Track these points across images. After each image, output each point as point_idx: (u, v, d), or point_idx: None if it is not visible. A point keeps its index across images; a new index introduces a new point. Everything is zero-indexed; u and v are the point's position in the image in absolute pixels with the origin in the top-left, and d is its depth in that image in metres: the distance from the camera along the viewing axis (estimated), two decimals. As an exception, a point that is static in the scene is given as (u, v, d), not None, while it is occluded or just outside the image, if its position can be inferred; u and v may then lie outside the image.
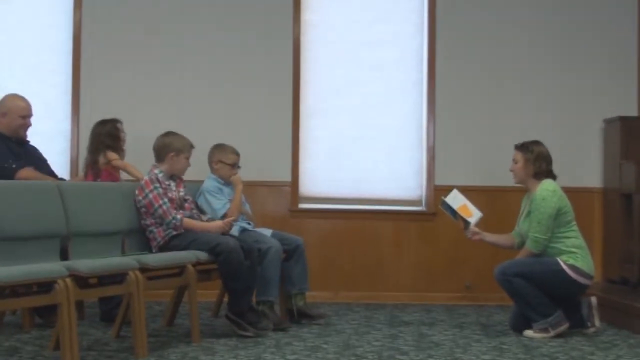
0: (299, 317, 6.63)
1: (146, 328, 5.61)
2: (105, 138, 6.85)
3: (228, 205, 6.62)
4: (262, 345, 5.66)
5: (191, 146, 6.30)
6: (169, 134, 6.30)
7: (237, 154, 6.82)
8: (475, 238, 6.51)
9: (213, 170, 6.78)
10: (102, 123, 6.95)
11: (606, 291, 7.49)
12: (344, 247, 8.23)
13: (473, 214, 6.50)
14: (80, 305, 6.71)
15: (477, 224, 6.53)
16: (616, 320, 6.76)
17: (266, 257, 6.35)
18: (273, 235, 6.68)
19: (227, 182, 6.77)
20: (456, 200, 6.53)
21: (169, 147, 6.22)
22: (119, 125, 6.94)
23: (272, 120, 8.22)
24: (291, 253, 6.68)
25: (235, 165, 6.79)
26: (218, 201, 6.64)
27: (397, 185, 8.39)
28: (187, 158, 6.28)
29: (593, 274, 6.31)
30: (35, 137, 6.83)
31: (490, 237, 6.54)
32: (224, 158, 6.77)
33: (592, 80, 8.39)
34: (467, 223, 6.49)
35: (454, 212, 6.50)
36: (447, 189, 8.08)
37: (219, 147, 6.83)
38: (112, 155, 6.77)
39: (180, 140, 6.27)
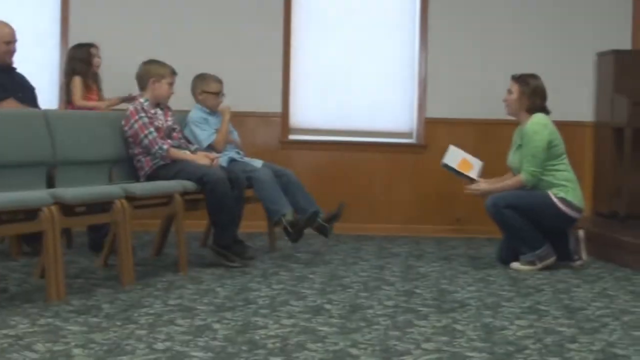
0: (330, 222, 6.42)
1: (134, 257, 5.64)
2: (77, 63, 6.82)
3: (214, 137, 6.60)
4: (248, 275, 5.68)
5: (173, 72, 6.24)
6: (150, 61, 6.25)
7: (220, 82, 6.78)
8: (483, 195, 6.42)
9: (197, 101, 6.74)
10: (77, 47, 6.93)
11: (595, 225, 7.51)
12: (334, 179, 8.20)
13: (474, 166, 6.44)
14: (68, 234, 6.73)
15: (480, 173, 6.47)
16: (604, 253, 6.78)
17: (256, 182, 6.34)
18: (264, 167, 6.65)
19: (214, 112, 6.74)
20: (454, 156, 6.45)
21: (150, 74, 6.16)
22: (93, 50, 6.90)
23: (262, 50, 8.14)
24: (286, 185, 6.56)
25: (219, 94, 6.74)
26: (202, 132, 6.61)
27: (388, 117, 8.35)
28: (170, 84, 6.21)
29: (583, 208, 6.32)
30: (25, 65, 6.77)
31: (495, 187, 6.40)
32: (206, 87, 6.72)
33: (585, 14, 8.30)
34: (471, 180, 6.42)
35: (456, 172, 6.42)
36: (438, 122, 8.18)
37: (200, 77, 6.79)
38: (83, 102, 6.73)
39: (161, 66, 6.21)
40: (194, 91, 6.76)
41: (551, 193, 6.17)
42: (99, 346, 3.76)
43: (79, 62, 6.85)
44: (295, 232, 6.20)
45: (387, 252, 6.98)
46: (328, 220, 6.42)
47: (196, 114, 6.70)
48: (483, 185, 6.38)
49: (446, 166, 6.44)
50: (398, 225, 8.17)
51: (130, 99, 6.70)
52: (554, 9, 8.30)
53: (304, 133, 8.31)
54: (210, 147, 6.51)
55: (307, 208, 6.40)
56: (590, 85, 8.31)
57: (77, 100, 6.73)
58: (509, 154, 6.49)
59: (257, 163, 6.65)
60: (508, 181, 6.34)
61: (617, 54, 7.91)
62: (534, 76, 6.37)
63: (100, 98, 6.96)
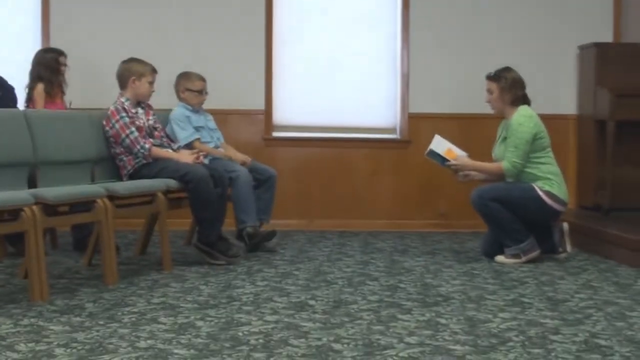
0: (255, 241, 6.56)
1: (118, 256, 5.64)
2: (42, 69, 6.80)
3: (194, 136, 6.58)
4: (233, 272, 5.67)
5: (153, 70, 6.21)
6: (130, 60, 6.22)
7: (204, 80, 6.80)
8: (466, 180, 6.45)
9: (180, 99, 6.75)
10: (44, 52, 6.92)
11: (579, 217, 7.54)
12: (319, 175, 8.21)
13: (458, 156, 6.44)
14: (53, 234, 6.71)
15: None
16: (588, 246, 6.81)
17: (235, 186, 6.37)
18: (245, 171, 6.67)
19: (197, 110, 6.74)
20: (440, 145, 6.45)
21: (130, 72, 6.14)
22: (61, 58, 6.88)
23: (244, 48, 8.14)
24: (262, 183, 6.68)
25: (202, 91, 6.76)
26: (183, 131, 6.61)
27: (371, 113, 8.37)
28: (151, 83, 6.18)
29: (567, 201, 6.33)
30: (6, 66, 6.75)
31: (479, 175, 6.44)
32: (190, 85, 6.74)
33: (567, 6, 8.33)
34: (455, 169, 6.42)
35: (442, 159, 6.41)
36: (422, 117, 8.18)
37: (184, 76, 6.81)
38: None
39: (141, 64, 6.18)
40: (177, 89, 6.77)
41: (536, 186, 6.18)
42: (82, 345, 3.75)
43: (44, 69, 6.82)
44: (250, 245, 6.47)
45: (371, 247, 6.99)
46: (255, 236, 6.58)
47: (178, 111, 6.70)
48: (464, 159, 6.38)
49: (431, 153, 6.41)
50: (382, 221, 8.18)
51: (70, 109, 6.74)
52: (536, 3, 8.31)
53: (287, 130, 8.32)
54: (188, 147, 6.49)
55: (258, 212, 6.62)
56: (573, 79, 8.34)
57: (38, 108, 6.69)
58: (493, 146, 6.50)
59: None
60: (489, 164, 6.36)
61: (599, 46, 7.93)
62: (507, 69, 6.38)
63: (63, 103, 6.94)
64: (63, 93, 6.97)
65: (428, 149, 6.42)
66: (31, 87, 6.80)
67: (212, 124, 6.91)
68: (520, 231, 6.18)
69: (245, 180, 6.44)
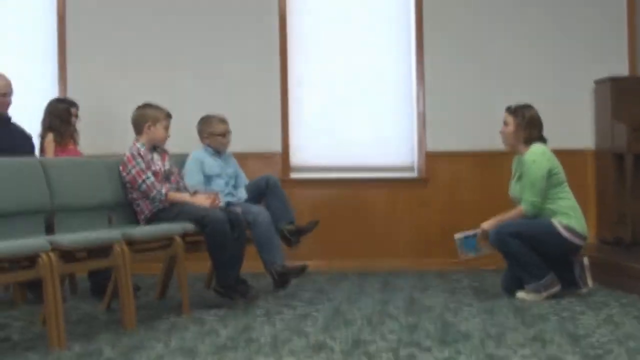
0: (297, 236, 6.56)
1: (138, 301, 5.63)
2: (53, 119, 6.83)
3: (199, 187, 6.53)
4: (251, 315, 5.65)
5: (168, 115, 6.25)
6: (144, 105, 6.26)
7: (225, 122, 6.85)
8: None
9: (205, 145, 6.81)
10: (56, 102, 6.97)
11: (600, 252, 7.48)
12: (337, 215, 8.20)
13: (480, 227, 6.38)
14: (72, 280, 6.73)
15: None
16: (609, 281, 6.74)
17: (254, 228, 6.35)
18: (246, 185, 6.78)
19: (221, 154, 6.79)
20: (463, 242, 6.45)
21: (145, 118, 6.17)
22: (73, 110, 6.93)
23: (260, 90, 8.18)
24: (264, 191, 6.68)
25: (226, 134, 6.80)
26: (191, 176, 6.62)
27: (388, 152, 8.37)
28: (166, 128, 6.22)
29: (587, 235, 6.28)
30: (22, 113, 6.81)
31: (497, 221, 6.32)
32: (212, 130, 6.77)
33: (583, 41, 8.33)
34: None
35: (473, 247, 6.41)
36: (439, 155, 8.16)
37: (205, 120, 6.85)
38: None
39: (156, 109, 6.22)
40: (201, 134, 6.82)
41: (555, 221, 6.15)
42: (99, 390, 3.74)
43: (56, 119, 6.87)
44: (281, 281, 6.41)
45: (391, 286, 6.95)
46: (296, 231, 6.53)
47: (196, 154, 6.73)
48: (487, 223, 6.33)
49: (464, 247, 6.42)
50: (402, 260, 8.14)
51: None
52: (551, 38, 8.34)
53: (305, 171, 8.32)
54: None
55: (281, 217, 6.56)
56: (590, 113, 8.32)
57: (48, 157, 6.73)
58: (510, 184, 6.47)
59: (242, 193, 6.73)
60: (509, 213, 6.31)
61: (614, 81, 7.92)
62: (528, 107, 6.36)
63: (76, 149, 6.99)
64: (75, 141, 7.00)
65: (460, 252, 6.42)
66: (42, 137, 6.84)
67: (231, 169, 6.90)
68: (539, 266, 6.14)
69: (264, 220, 6.41)
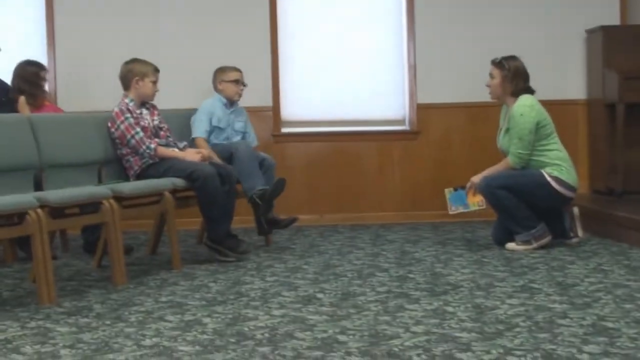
0: (271, 226, 6.50)
1: (129, 257, 5.62)
2: (22, 82, 6.72)
3: (205, 135, 6.57)
4: (242, 269, 5.67)
5: (156, 69, 6.21)
6: (132, 60, 6.22)
7: (239, 71, 6.93)
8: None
9: (218, 92, 6.87)
10: (25, 65, 6.79)
11: (592, 202, 7.49)
12: (329, 169, 8.19)
13: (470, 181, 6.36)
14: (64, 237, 6.74)
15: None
16: (600, 230, 6.76)
17: (236, 160, 6.36)
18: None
19: (232, 103, 6.86)
20: (457, 198, 6.44)
21: (132, 73, 6.14)
22: (42, 73, 6.80)
23: (250, 45, 8.12)
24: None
25: (239, 82, 6.88)
26: (199, 123, 6.69)
27: (379, 105, 8.34)
28: (154, 82, 6.18)
29: (577, 186, 6.28)
30: (9, 73, 6.78)
31: (485, 175, 6.33)
32: (225, 77, 6.86)
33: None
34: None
35: (463, 201, 6.40)
36: (430, 107, 8.15)
37: (220, 70, 6.95)
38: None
39: (143, 64, 6.18)
40: (215, 83, 6.91)
41: (545, 172, 6.14)
42: (87, 345, 3.75)
43: (25, 83, 6.70)
44: (264, 203, 6.29)
45: (382, 239, 6.97)
46: (273, 222, 6.49)
47: (207, 102, 6.82)
48: (476, 177, 6.33)
49: (455, 201, 6.43)
50: (393, 213, 8.16)
51: None
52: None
53: (296, 125, 8.29)
54: (194, 142, 6.53)
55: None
56: (581, 63, 8.28)
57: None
58: (497, 136, 6.46)
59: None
60: (497, 165, 6.31)
61: (606, 29, 7.88)
62: (513, 58, 6.33)
63: (52, 105, 6.97)
64: (45, 97, 6.91)
65: (450, 206, 6.43)
66: (14, 100, 6.73)
67: (239, 124, 6.90)
68: (530, 218, 6.15)
69: (244, 150, 6.43)
